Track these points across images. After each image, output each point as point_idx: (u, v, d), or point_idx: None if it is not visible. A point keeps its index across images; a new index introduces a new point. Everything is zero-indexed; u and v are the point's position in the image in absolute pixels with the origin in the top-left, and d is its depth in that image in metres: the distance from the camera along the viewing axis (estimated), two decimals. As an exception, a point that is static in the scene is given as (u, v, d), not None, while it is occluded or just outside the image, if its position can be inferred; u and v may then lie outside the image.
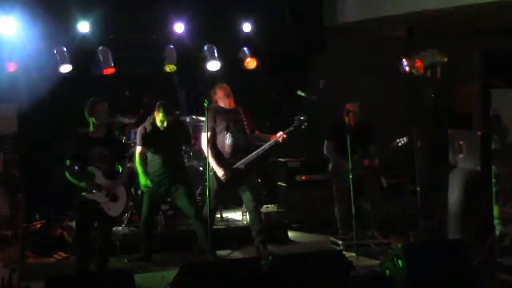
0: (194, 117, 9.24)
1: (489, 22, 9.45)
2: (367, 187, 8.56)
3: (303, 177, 9.70)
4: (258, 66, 9.60)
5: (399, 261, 6.50)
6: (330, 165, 8.75)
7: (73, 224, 7.86)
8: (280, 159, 9.87)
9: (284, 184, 9.73)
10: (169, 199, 8.23)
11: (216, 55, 9.27)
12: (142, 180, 7.70)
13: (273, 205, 9.24)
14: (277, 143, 7.95)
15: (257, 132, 8.16)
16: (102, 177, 6.90)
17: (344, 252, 7.17)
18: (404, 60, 8.53)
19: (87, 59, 8.77)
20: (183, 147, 8.27)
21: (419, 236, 8.23)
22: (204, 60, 9.30)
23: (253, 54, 9.48)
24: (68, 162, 6.84)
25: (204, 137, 7.80)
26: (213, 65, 9.30)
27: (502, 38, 9.65)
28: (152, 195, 7.81)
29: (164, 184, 7.76)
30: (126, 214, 8.33)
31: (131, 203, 8.37)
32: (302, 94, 8.70)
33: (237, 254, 8.15)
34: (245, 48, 9.50)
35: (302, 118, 7.87)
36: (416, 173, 8.57)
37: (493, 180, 7.10)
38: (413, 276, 6.36)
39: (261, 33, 9.60)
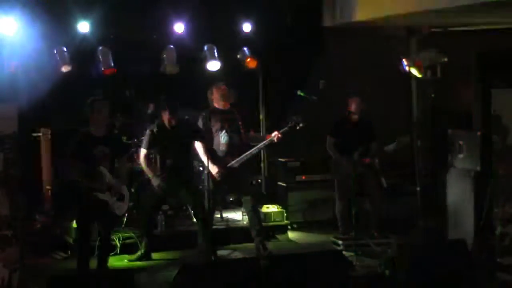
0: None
1: (489, 22, 9.44)
2: (367, 187, 8.56)
3: (303, 177, 9.70)
4: (258, 66, 9.60)
5: (399, 261, 6.50)
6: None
7: (73, 224, 7.87)
8: (280, 159, 9.88)
9: (284, 184, 9.73)
10: (171, 199, 8.28)
11: (216, 55, 9.27)
12: (155, 181, 7.75)
13: (273, 205, 9.24)
14: (272, 143, 8.01)
15: (252, 133, 8.22)
16: (110, 177, 6.92)
17: (344, 252, 7.18)
18: (404, 60, 8.55)
19: (87, 59, 8.77)
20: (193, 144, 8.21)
21: (419, 236, 8.24)
22: (204, 60, 9.30)
23: (253, 54, 9.47)
24: (72, 162, 6.84)
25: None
26: (213, 65, 9.30)
27: (502, 38, 9.64)
28: (158, 194, 7.83)
29: (171, 183, 7.79)
30: (126, 214, 8.33)
31: (131, 203, 8.36)
32: (302, 94, 8.71)
33: (237, 254, 8.15)
34: (245, 48, 9.50)
35: (297, 119, 7.93)
36: (416, 173, 8.59)
37: (493, 180, 7.11)
38: (413, 276, 6.36)
39: (261, 33, 9.60)
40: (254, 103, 10.04)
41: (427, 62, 8.47)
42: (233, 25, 9.52)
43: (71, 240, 8.09)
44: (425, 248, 6.81)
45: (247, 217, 8.30)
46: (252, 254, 7.93)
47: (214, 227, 8.18)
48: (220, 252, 8.02)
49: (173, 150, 7.75)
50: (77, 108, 7.35)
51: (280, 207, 9.24)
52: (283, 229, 9.13)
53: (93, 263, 7.05)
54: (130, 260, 7.90)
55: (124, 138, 8.94)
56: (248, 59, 9.50)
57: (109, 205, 6.91)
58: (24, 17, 8.04)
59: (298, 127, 7.95)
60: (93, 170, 6.81)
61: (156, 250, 8.06)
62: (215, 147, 7.96)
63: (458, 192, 7.83)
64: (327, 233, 8.97)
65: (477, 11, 8.11)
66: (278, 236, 9.01)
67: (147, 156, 7.83)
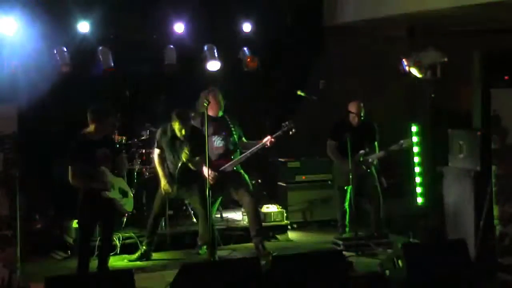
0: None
1: (489, 21, 9.44)
2: (367, 187, 8.56)
3: (303, 177, 9.70)
4: (258, 66, 9.60)
5: (399, 261, 6.50)
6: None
7: (73, 224, 7.86)
8: (280, 159, 9.87)
9: (284, 184, 9.73)
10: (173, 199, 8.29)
11: (216, 55, 9.27)
12: (163, 182, 7.76)
13: (273, 205, 9.24)
14: (264, 147, 8.05)
15: (244, 140, 8.24)
16: (111, 175, 6.92)
17: (344, 252, 7.17)
18: (404, 60, 8.55)
19: (87, 59, 8.77)
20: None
21: (419, 236, 8.24)
22: (204, 60, 9.30)
23: (253, 54, 9.47)
24: (74, 165, 6.81)
25: None
26: (213, 65, 9.29)
27: (502, 38, 9.64)
28: (166, 196, 7.85)
29: (179, 188, 7.82)
30: (126, 214, 8.32)
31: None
32: (302, 94, 8.71)
33: (237, 254, 8.15)
34: (245, 48, 9.50)
35: (290, 124, 7.96)
36: (416, 173, 8.59)
37: (493, 180, 7.11)
38: (413, 276, 6.36)
39: (261, 33, 9.60)
40: (254, 103, 10.03)
41: (427, 62, 8.47)
42: (233, 25, 9.52)
43: (71, 240, 8.08)
44: (425, 248, 6.82)
45: (247, 217, 8.30)
46: (252, 254, 7.92)
47: (214, 227, 8.17)
48: (220, 252, 8.01)
49: (181, 153, 7.73)
50: (77, 108, 7.34)
51: (280, 207, 9.24)
52: (283, 229, 9.13)
53: (93, 264, 7.05)
54: (130, 260, 7.89)
55: (124, 138, 8.94)
56: (248, 59, 9.50)
57: (117, 203, 6.93)
58: (24, 17, 8.05)
59: (291, 132, 7.98)
60: (94, 171, 6.81)
61: (156, 250, 8.06)
62: (209, 150, 7.92)
63: (458, 192, 7.83)
64: (327, 233, 8.97)
65: (477, 11, 8.13)
66: (278, 236, 9.01)
67: (160, 156, 7.84)
